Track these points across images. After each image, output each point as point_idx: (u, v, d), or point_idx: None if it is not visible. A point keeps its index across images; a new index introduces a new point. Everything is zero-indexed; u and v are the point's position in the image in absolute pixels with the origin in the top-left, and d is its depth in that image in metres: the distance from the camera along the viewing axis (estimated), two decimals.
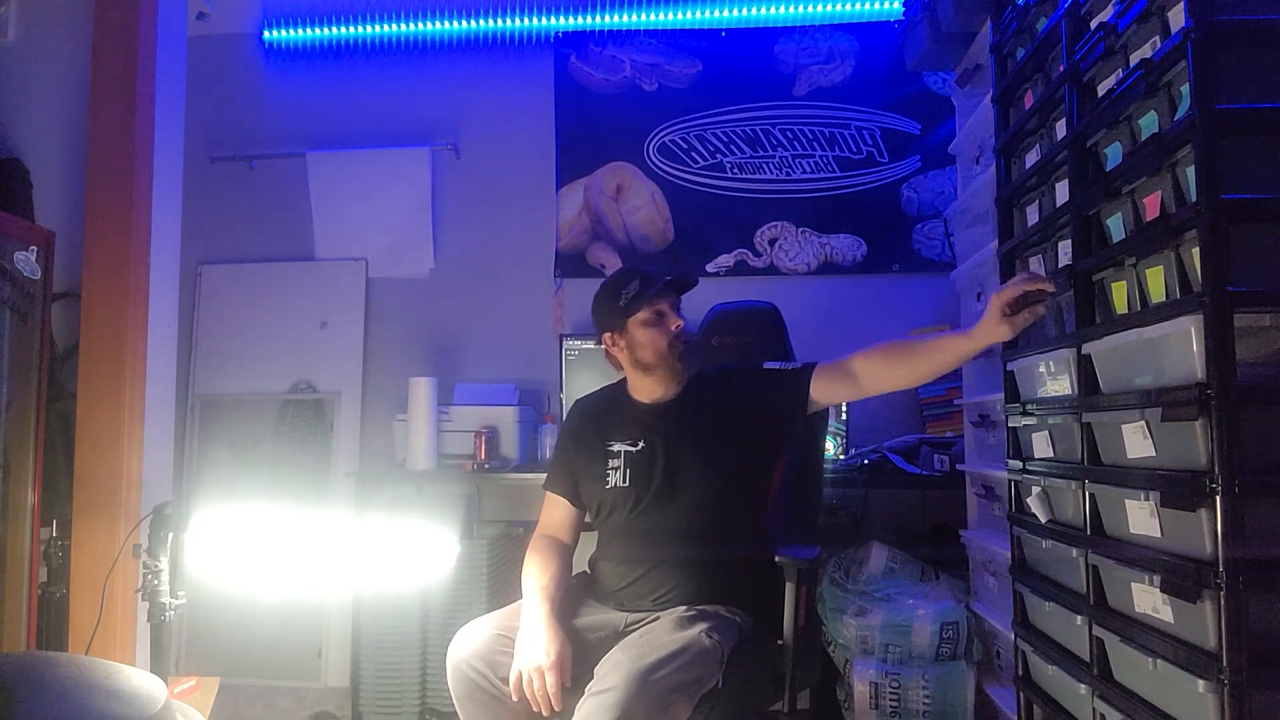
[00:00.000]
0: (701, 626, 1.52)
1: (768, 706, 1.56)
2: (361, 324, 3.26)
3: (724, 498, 1.71)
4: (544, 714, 1.49)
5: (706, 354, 2.09)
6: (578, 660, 1.57)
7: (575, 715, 1.38)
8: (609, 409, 1.86)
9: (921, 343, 1.71)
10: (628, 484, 1.74)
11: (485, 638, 1.60)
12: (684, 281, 1.80)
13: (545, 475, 1.90)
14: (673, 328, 1.75)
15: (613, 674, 1.37)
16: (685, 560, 1.67)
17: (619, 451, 1.77)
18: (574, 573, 1.84)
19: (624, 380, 1.87)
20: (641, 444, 1.76)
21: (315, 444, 3.20)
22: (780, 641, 1.59)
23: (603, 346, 1.82)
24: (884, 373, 1.71)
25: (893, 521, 2.75)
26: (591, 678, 1.44)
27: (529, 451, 2.92)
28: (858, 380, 1.72)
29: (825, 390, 1.75)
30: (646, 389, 1.81)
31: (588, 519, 1.85)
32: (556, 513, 1.85)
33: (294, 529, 1.29)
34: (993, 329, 1.57)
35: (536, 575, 1.69)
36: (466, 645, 1.58)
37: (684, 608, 1.61)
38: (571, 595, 1.77)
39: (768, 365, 1.83)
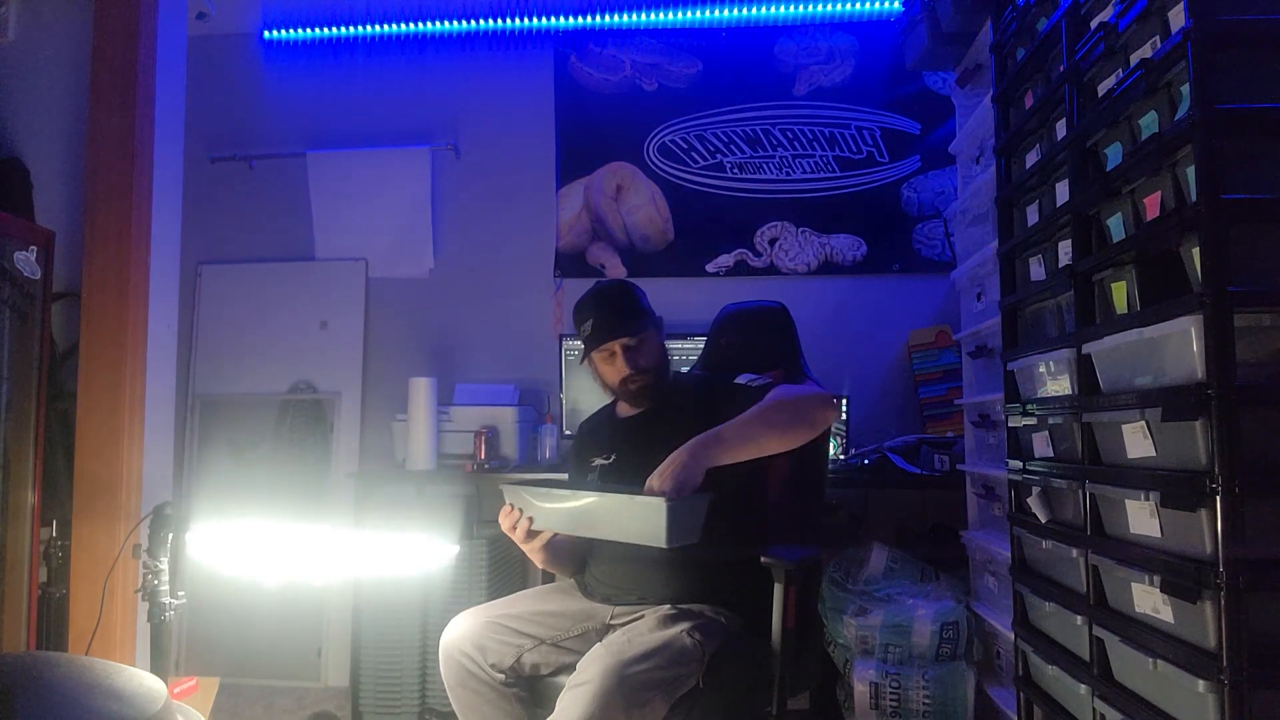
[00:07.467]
0: (683, 626, 1.52)
1: (764, 708, 1.55)
2: (361, 324, 3.26)
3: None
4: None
5: (716, 355, 2.09)
6: (566, 650, 1.59)
7: (556, 707, 1.39)
8: (596, 426, 1.94)
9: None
10: None
11: (477, 624, 1.61)
12: (598, 340, 1.73)
13: (548, 476, 1.91)
14: (621, 372, 1.75)
15: (591, 667, 1.38)
16: (666, 561, 1.64)
17: (595, 466, 1.82)
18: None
19: None
20: (614, 457, 1.80)
21: (315, 444, 3.20)
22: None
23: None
24: None
25: (893, 521, 2.75)
26: (574, 669, 1.44)
27: (529, 452, 2.92)
28: None
29: None
30: (622, 404, 1.88)
31: None
32: None
33: (293, 539, 1.29)
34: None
35: None
36: (458, 632, 1.59)
37: (668, 606, 1.61)
38: (562, 588, 1.80)
39: (740, 379, 1.82)
